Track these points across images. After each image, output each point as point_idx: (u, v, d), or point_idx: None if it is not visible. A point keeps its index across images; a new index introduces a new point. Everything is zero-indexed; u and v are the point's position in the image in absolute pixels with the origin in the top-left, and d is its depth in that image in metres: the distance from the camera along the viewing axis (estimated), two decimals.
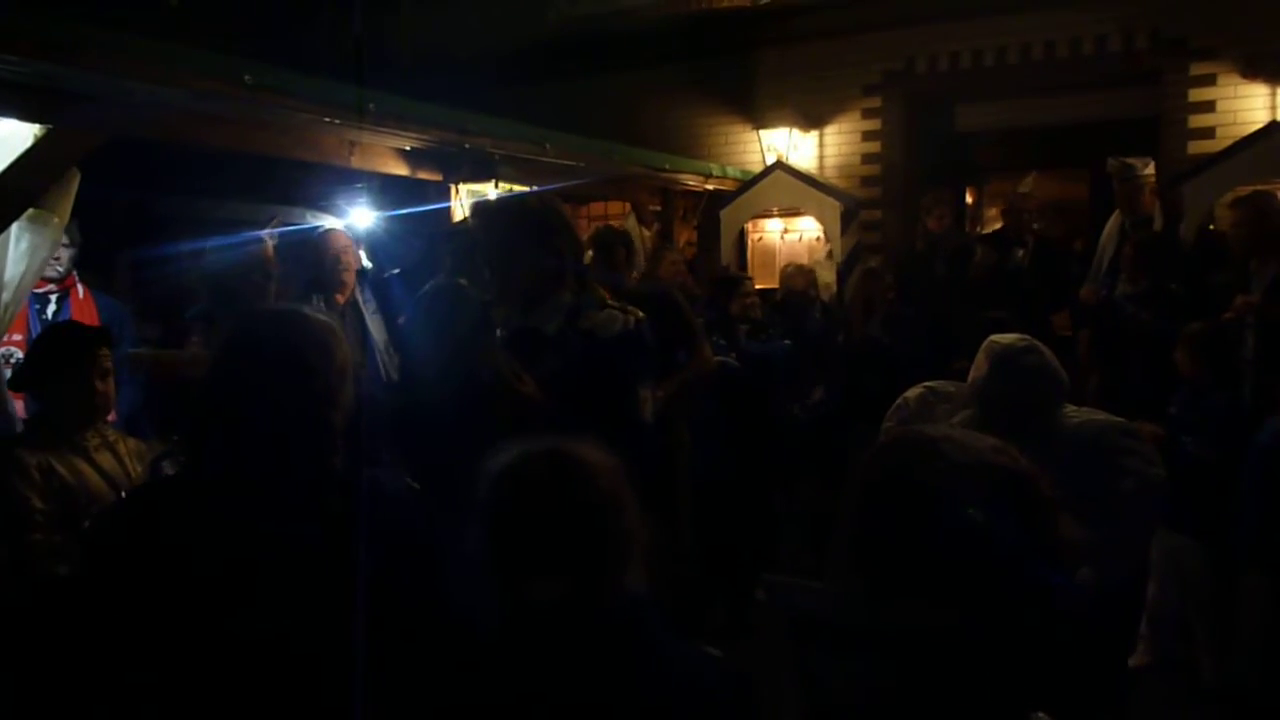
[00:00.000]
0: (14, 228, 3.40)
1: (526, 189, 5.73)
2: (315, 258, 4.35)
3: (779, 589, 1.19)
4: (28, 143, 3.29)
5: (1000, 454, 1.15)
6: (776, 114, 7.62)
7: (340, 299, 4.34)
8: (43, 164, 3.33)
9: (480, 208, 2.93)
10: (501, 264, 2.91)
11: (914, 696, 1.07)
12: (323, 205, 5.88)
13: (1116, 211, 5.93)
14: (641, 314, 2.92)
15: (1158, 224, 5.72)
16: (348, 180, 5.58)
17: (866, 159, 7.54)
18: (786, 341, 5.04)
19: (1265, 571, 3.74)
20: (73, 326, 3.43)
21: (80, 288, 4.08)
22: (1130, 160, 5.84)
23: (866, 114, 7.51)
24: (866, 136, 7.54)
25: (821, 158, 7.65)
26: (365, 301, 4.48)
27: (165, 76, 3.36)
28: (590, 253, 4.21)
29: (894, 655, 1.08)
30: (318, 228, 4.76)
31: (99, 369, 2.82)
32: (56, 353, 2.85)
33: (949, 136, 7.71)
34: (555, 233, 2.90)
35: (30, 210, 3.41)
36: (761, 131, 7.66)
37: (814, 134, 7.64)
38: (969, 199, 8.03)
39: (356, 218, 6.14)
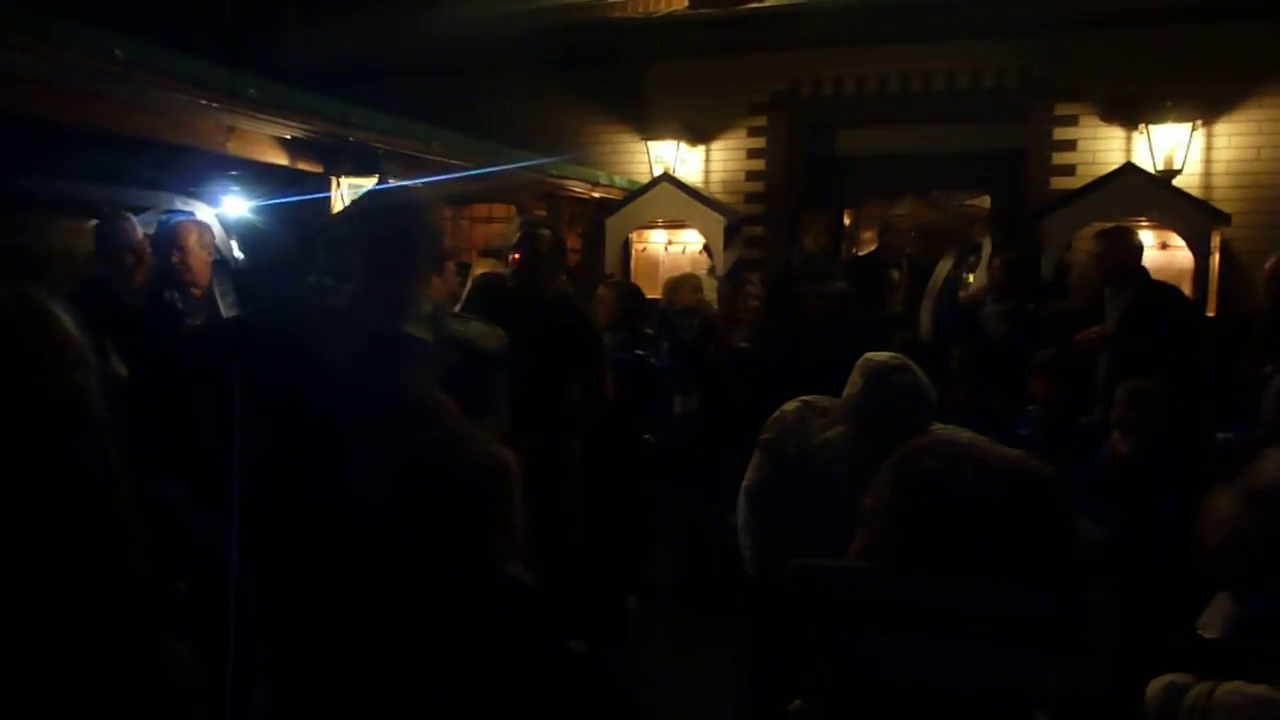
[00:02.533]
0: None
1: (406, 183, 5.63)
2: (166, 250, 4.24)
3: (810, 570, 1.23)
4: None
5: (1027, 460, 1.24)
6: (665, 126, 7.69)
7: (196, 292, 4.23)
8: None
9: (372, 196, 2.66)
10: (384, 261, 2.61)
11: (968, 673, 1.11)
12: (194, 192, 5.65)
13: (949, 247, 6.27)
14: (502, 332, 2.89)
15: (986, 252, 6.02)
16: (222, 167, 5.38)
17: (751, 176, 7.69)
18: (639, 352, 5.04)
19: (1108, 585, 3.95)
20: None
21: None
22: (958, 193, 6.22)
23: (752, 132, 7.65)
24: (752, 154, 7.68)
25: (707, 172, 7.76)
26: (222, 294, 4.35)
27: (30, 46, 3.18)
28: (520, 251, 4.10)
29: (953, 634, 1.13)
30: (171, 218, 4.60)
31: None
32: None
33: (830, 159, 7.92)
34: (439, 233, 2.82)
35: None
36: (650, 143, 7.72)
37: (701, 148, 7.74)
38: (846, 220, 8.25)
39: (229, 206, 5.93)
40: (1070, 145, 6.79)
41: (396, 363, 2.47)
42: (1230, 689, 1.28)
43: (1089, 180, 6.37)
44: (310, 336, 2.30)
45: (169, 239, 4.26)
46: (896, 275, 6.37)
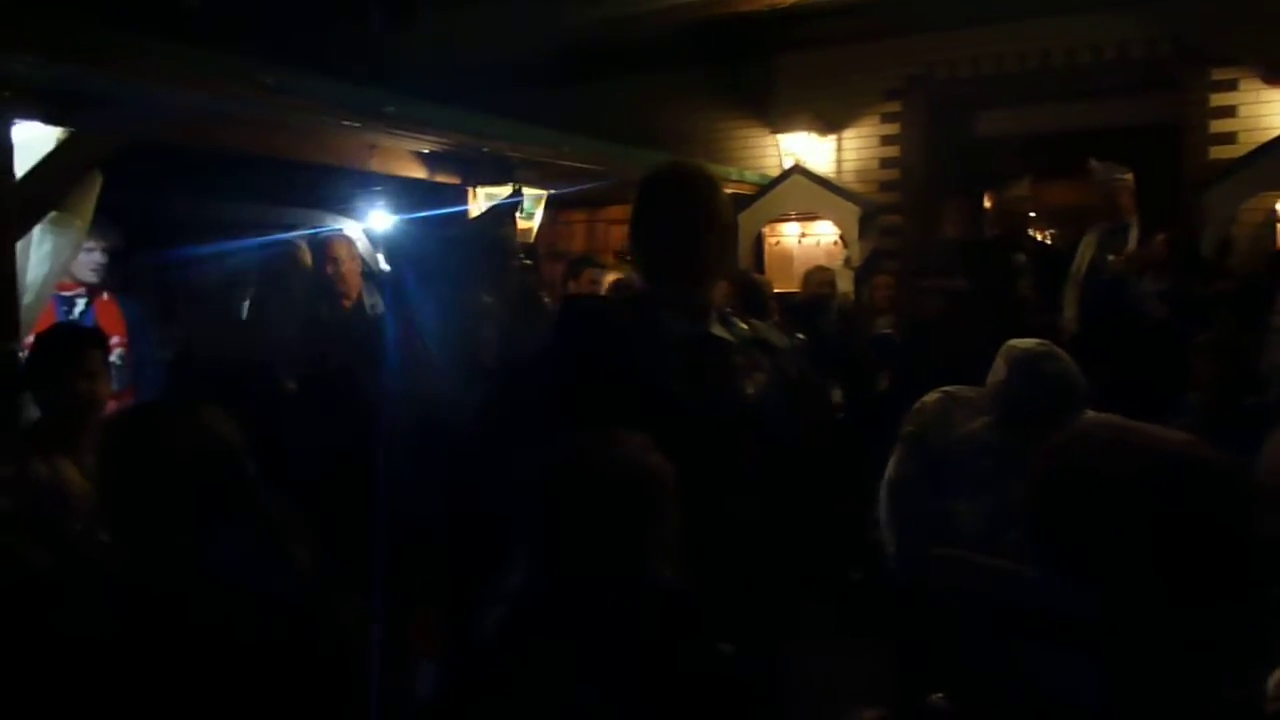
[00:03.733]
0: (36, 231, 3.43)
1: (543, 193, 5.74)
2: (317, 265, 4.43)
3: (953, 564, 1.20)
4: (49, 146, 3.33)
5: (1196, 446, 1.14)
6: (794, 118, 7.60)
7: (346, 303, 4.39)
8: (64, 167, 3.36)
9: (657, 175, 2.24)
10: (687, 249, 2.12)
11: (1129, 691, 1.06)
12: (341, 209, 5.90)
13: (1094, 224, 5.93)
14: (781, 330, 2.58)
15: (1134, 232, 5.69)
16: (366, 184, 5.60)
17: (885, 163, 7.52)
18: None
19: None
20: (62, 328, 3.46)
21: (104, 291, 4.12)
22: (1112, 164, 5.85)
23: (886, 118, 7.49)
24: (885, 141, 7.51)
25: (839, 162, 7.63)
26: (374, 306, 4.52)
27: (184, 79, 3.38)
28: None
29: (1113, 649, 1.07)
30: (319, 234, 4.82)
31: (85, 370, 2.82)
32: (44, 355, 2.88)
33: (969, 142, 7.67)
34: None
35: (52, 213, 3.44)
36: (779, 135, 7.65)
37: (832, 138, 7.62)
38: (988, 205, 7.98)
39: (374, 221, 6.17)
40: (1230, 112, 6.36)
41: (715, 368, 2.09)
42: None
43: (1252, 148, 5.97)
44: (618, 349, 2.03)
45: (321, 253, 4.45)
46: (1021, 259, 6.10)
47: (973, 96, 7.42)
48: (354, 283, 4.45)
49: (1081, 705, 1.05)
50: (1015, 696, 1.10)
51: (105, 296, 4.07)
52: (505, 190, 5.48)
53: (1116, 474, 1.11)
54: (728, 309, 2.30)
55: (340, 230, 5.28)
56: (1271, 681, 1.23)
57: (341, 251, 4.43)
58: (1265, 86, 6.25)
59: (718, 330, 2.13)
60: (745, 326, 2.22)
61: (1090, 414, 2.71)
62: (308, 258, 4.45)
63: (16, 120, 3.18)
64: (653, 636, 1.59)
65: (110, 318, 4.00)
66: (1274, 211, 4.91)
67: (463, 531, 2.15)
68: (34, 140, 3.31)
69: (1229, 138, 6.32)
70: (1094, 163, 5.89)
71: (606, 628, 1.59)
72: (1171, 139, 6.53)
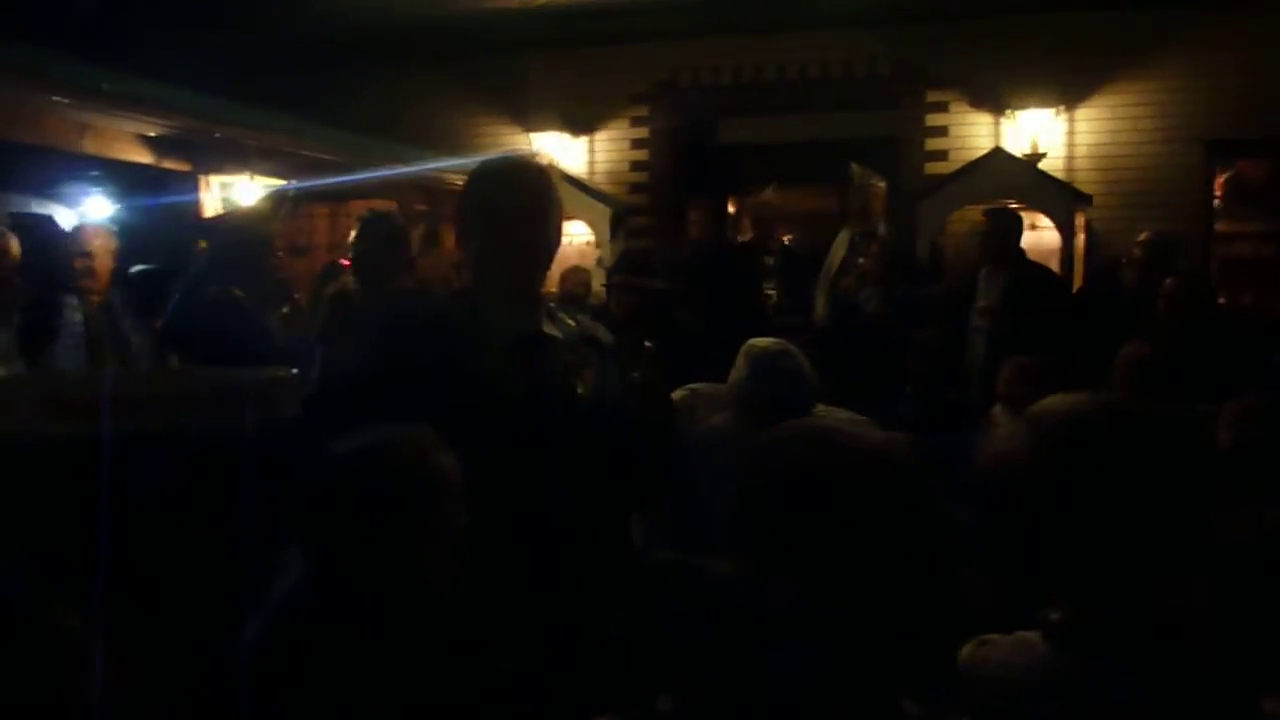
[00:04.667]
0: None
1: (283, 183, 5.47)
2: (67, 255, 3.98)
3: (672, 568, 1.21)
4: None
5: (886, 441, 1.23)
6: (546, 117, 7.64)
7: (95, 299, 3.98)
8: None
9: (494, 165, 2.16)
10: (519, 243, 2.04)
11: (840, 681, 1.10)
12: (51, 194, 5.38)
13: (846, 225, 6.34)
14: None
15: (883, 233, 6.15)
16: (79, 167, 5.13)
17: (635, 166, 7.70)
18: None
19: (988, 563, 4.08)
20: None
21: None
22: (869, 170, 6.29)
23: (635, 122, 7.66)
24: (635, 144, 7.69)
25: (592, 163, 7.74)
26: (123, 303, 4.11)
27: None
28: (360, 243, 3.87)
29: (826, 643, 1.11)
30: (48, 218, 4.37)
31: None
32: None
33: (713, 148, 7.98)
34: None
35: None
36: (531, 134, 7.66)
37: (584, 139, 7.71)
38: (731, 209, 8.34)
39: (92, 208, 5.66)
40: (942, 131, 7.00)
41: (544, 366, 1.99)
42: (1003, 637, 1.33)
43: (960, 165, 6.58)
44: (447, 348, 1.91)
45: (70, 244, 4.00)
46: (770, 262, 6.42)
47: (715, 104, 7.73)
48: (104, 279, 4.02)
49: (795, 700, 1.11)
50: (733, 695, 1.14)
51: None
52: (241, 179, 5.17)
53: (806, 472, 1.19)
54: (554, 305, 2.23)
55: (50, 217, 4.81)
56: (962, 653, 1.35)
57: (96, 242, 4.00)
58: (971, 110, 6.91)
59: (547, 327, 2.06)
60: (573, 323, 2.15)
61: (821, 408, 2.89)
62: (14, 245, 4.01)
63: None
64: (424, 651, 1.53)
65: None
66: (977, 223, 5.44)
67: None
68: None
69: (941, 155, 6.94)
70: (855, 166, 6.27)
71: (374, 640, 1.53)
72: (893, 153, 7.08)
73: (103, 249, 4.01)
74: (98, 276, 3.97)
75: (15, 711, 1.43)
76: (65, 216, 5.51)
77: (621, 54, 7.55)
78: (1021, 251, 5.27)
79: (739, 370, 2.89)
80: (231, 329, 3.34)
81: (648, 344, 2.49)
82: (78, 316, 3.91)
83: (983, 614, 1.45)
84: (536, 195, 2.05)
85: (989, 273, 5.18)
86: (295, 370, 2.41)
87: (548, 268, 2.13)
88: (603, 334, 2.23)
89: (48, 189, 5.42)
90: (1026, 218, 6.37)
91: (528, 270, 2.06)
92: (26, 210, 5.39)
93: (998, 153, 6.45)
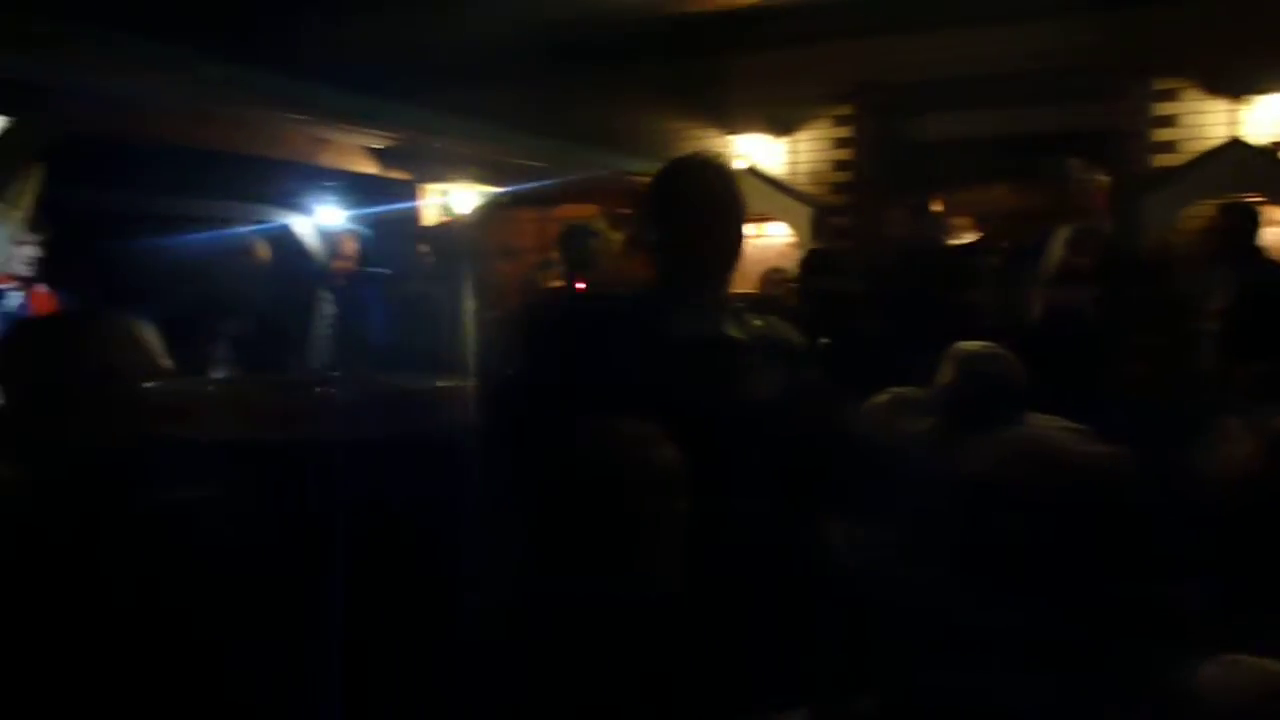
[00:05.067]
0: None
1: (496, 190, 5.73)
2: (324, 256, 4.44)
3: (871, 573, 1.22)
4: None
5: (1109, 457, 1.19)
6: (747, 119, 7.64)
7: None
8: (3, 158, 3.29)
9: (676, 164, 2.16)
10: (693, 244, 2.01)
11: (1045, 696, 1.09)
12: (289, 203, 5.83)
13: (1064, 222, 5.99)
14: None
15: (1106, 230, 5.79)
16: (315, 178, 5.54)
17: (838, 166, 7.59)
18: None
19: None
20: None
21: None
22: (1087, 163, 5.93)
23: (838, 121, 7.55)
24: (838, 144, 7.58)
25: (794, 164, 7.68)
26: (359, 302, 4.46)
27: (124, 69, 3.32)
28: (557, 250, 4.10)
29: (1032, 659, 1.10)
30: (284, 226, 4.76)
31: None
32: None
33: (919, 145, 7.76)
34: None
35: None
36: (732, 137, 7.68)
37: (785, 140, 7.67)
38: (937, 208, 8.07)
39: (325, 216, 6.10)
40: (1170, 121, 6.53)
41: (726, 370, 1.95)
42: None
43: (1192, 157, 6.12)
44: (625, 350, 1.90)
45: (332, 248, 4.48)
46: (977, 261, 6.17)
47: (921, 100, 7.51)
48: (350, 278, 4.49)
49: (994, 713, 1.07)
50: (931, 703, 1.12)
51: (40, 289, 3.98)
52: (456, 186, 5.45)
53: (1018, 484, 1.15)
54: (742, 306, 2.17)
55: (287, 226, 5.22)
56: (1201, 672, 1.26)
57: (349, 246, 4.48)
58: (1205, 96, 6.41)
59: (732, 330, 2.00)
60: (762, 324, 2.09)
61: (1033, 416, 2.76)
62: (265, 252, 4.39)
63: None
64: (642, 643, 1.54)
65: (45, 311, 3.91)
66: (1210, 219, 5.05)
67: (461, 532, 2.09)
68: None
69: (1169, 146, 6.47)
70: (1073, 160, 5.97)
71: (599, 635, 1.54)
72: (1113, 145, 6.66)
73: (354, 252, 4.44)
74: (348, 277, 4.41)
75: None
76: (301, 224, 5.96)
77: (825, 53, 7.45)
78: (1257, 249, 4.85)
79: (945, 374, 2.80)
80: (421, 330, 3.55)
81: (822, 342, 2.44)
82: (330, 310, 4.31)
83: (1203, 633, 1.35)
84: (718, 194, 2.03)
85: (1222, 273, 4.80)
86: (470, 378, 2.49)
87: (730, 268, 2.08)
88: (793, 336, 2.17)
89: (286, 199, 5.88)
90: (1267, 212, 5.88)
91: (709, 271, 2.03)
92: (267, 219, 5.87)
93: (1234, 143, 5.96)
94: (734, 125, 7.70)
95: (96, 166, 4.29)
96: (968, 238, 6.71)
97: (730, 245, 2.04)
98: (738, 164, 7.46)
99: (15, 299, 3.86)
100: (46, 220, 3.87)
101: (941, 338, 2.95)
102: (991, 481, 1.21)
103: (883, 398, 3.07)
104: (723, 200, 2.03)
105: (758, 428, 1.94)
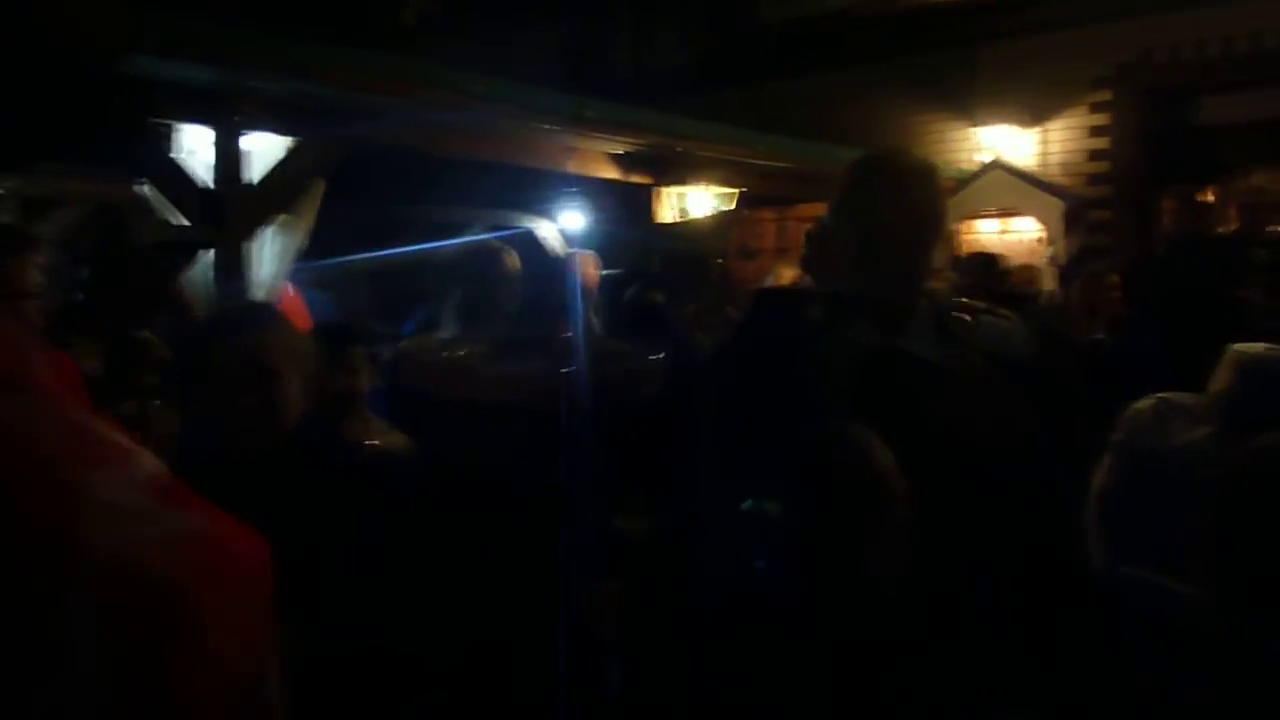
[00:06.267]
0: (267, 233, 3.73)
1: (734, 191, 5.77)
2: (557, 277, 4.61)
3: (1140, 586, 1.16)
4: (279, 155, 3.61)
5: None
6: (995, 110, 7.32)
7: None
8: (293, 174, 3.64)
9: (869, 160, 1.99)
10: (894, 248, 1.85)
11: None
12: (540, 210, 6.12)
13: None
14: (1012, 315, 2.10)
15: None
16: (562, 185, 5.78)
17: (1094, 155, 7.14)
18: None
19: None
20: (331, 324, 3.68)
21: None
22: None
23: (1095, 108, 7.11)
24: (1094, 132, 7.13)
25: (1044, 155, 7.30)
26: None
27: (402, 91, 3.60)
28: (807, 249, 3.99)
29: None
30: (528, 231, 4.96)
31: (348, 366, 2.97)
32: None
33: (1189, 131, 7.18)
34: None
35: (281, 216, 3.73)
36: (977, 129, 7.39)
37: (1035, 130, 7.29)
38: (1210, 198, 7.44)
39: (568, 221, 6.35)
40: None
41: (899, 389, 1.76)
42: None
43: None
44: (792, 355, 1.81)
45: (566, 268, 4.70)
46: (1262, 254, 5.63)
47: (1194, 82, 6.94)
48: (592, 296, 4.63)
49: None
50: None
51: (290, 292, 4.24)
52: (694, 189, 5.54)
53: None
54: (953, 313, 1.97)
55: (533, 230, 5.47)
56: None
57: (589, 268, 4.66)
58: None
59: (914, 345, 1.82)
60: (963, 339, 1.89)
61: None
62: (514, 260, 4.62)
63: (248, 131, 3.47)
64: (859, 651, 1.54)
65: (295, 314, 4.25)
66: None
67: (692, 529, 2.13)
68: (268, 150, 3.60)
69: None
70: None
71: (812, 636, 1.56)
72: None
73: (597, 270, 4.58)
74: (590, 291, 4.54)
75: None
76: (546, 229, 6.24)
77: (1078, 37, 7.04)
78: None
79: (1223, 379, 2.59)
80: (641, 329, 3.63)
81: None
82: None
83: None
84: (910, 200, 1.85)
85: None
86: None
87: (923, 276, 1.89)
88: (1015, 347, 1.95)
89: (538, 206, 6.17)
90: None
91: (893, 277, 1.85)
92: (514, 225, 6.18)
93: None
94: (982, 117, 7.39)
95: (370, 179, 4.66)
96: (1242, 229, 6.14)
97: (914, 250, 1.86)
98: (984, 156, 7.18)
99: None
100: (328, 232, 4.22)
101: (1218, 338, 2.73)
102: (1261, 487, 1.12)
103: (1148, 403, 2.87)
104: (910, 201, 1.85)
105: (932, 460, 1.69)
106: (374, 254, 5.33)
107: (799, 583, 1.59)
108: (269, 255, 3.79)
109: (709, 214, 5.38)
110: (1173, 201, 6.26)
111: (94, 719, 0.78)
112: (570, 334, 3.05)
